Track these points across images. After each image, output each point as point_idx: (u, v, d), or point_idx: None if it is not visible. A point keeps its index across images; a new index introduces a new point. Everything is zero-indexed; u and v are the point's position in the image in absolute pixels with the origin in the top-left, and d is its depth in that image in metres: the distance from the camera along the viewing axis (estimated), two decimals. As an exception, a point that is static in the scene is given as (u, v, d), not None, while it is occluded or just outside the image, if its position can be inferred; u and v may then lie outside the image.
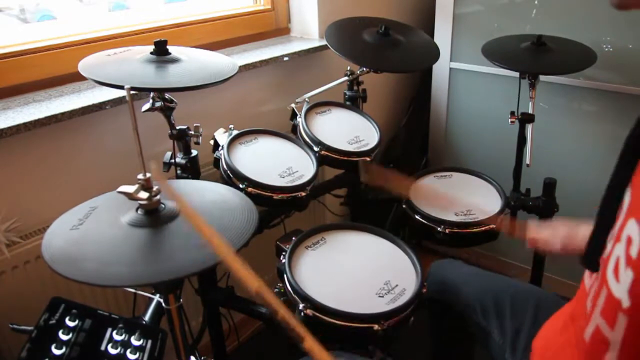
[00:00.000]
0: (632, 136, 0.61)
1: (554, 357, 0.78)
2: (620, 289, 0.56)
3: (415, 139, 2.38)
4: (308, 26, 1.92)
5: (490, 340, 1.07)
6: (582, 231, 0.96)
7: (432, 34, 2.10)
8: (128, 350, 0.94)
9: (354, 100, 1.67)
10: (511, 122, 1.61)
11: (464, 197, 1.47)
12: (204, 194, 0.97)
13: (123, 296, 1.41)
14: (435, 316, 1.29)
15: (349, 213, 2.00)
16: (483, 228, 1.34)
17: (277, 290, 1.21)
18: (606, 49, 1.71)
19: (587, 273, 0.76)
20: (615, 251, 0.59)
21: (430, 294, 1.18)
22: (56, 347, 0.88)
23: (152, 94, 1.17)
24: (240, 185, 1.20)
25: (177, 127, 1.23)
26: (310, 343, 0.65)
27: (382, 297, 1.07)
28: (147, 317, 1.16)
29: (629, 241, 0.55)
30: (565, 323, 0.78)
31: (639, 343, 0.55)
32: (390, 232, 1.25)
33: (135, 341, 0.96)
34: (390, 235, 1.25)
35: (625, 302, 0.55)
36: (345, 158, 1.39)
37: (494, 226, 1.36)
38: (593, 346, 0.63)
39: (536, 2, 1.84)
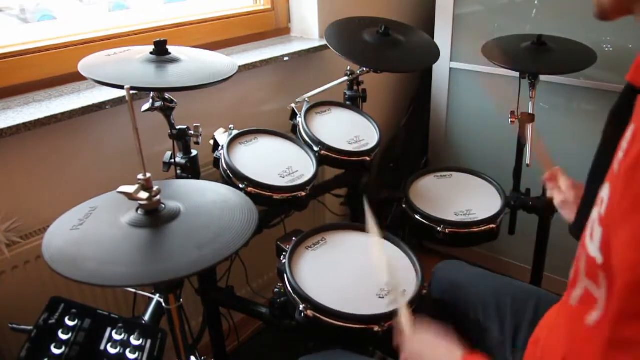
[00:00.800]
0: (616, 106, 0.62)
1: (547, 337, 0.80)
2: (593, 247, 0.58)
3: (415, 139, 2.38)
4: (308, 26, 1.92)
5: (490, 338, 1.08)
6: None
7: (432, 34, 2.10)
8: (127, 350, 0.94)
9: (354, 100, 1.67)
10: (511, 122, 1.61)
11: (463, 197, 1.47)
12: (204, 194, 0.97)
13: (123, 296, 1.41)
14: (439, 316, 1.30)
15: (349, 213, 2.00)
16: (483, 228, 1.34)
17: (277, 290, 1.21)
18: (606, 49, 1.71)
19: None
20: (592, 215, 0.61)
21: (435, 295, 1.19)
22: (56, 347, 0.88)
23: (152, 94, 1.17)
24: (240, 185, 1.20)
25: (177, 127, 1.23)
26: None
27: (383, 298, 1.07)
28: (147, 317, 1.16)
29: (601, 202, 0.58)
30: (563, 301, 0.79)
31: (613, 298, 0.56)
32: (390, 232, 1.25)
33: (134, 341, 0.96)
34: (391, 236, 1.25)
35: (599, 259, 0.57)
36: (345, 158, 1.39)
37: (494, 226, 1.36)
38: (578, 308, 0.65)
39: (536, 2, 1.84)
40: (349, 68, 1.64)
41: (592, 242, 0.59)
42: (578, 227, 0.71)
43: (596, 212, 0.60)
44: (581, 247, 0.64)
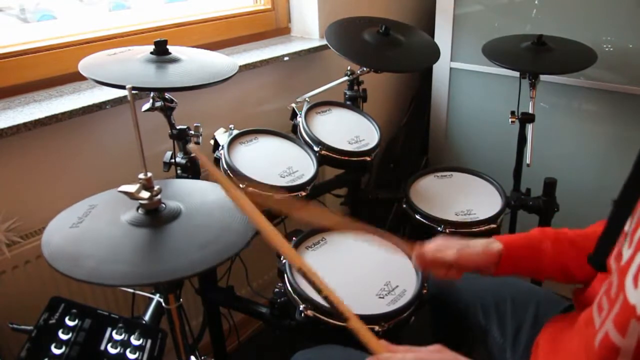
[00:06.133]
0: None
1: None
2: (637, 295, 0.54)
3: (415, 139, 2.38)
4: (308, 26, 1.92)
5: (490, 339, 1.07)
6: (474, 242, 0.92)
7: (432, 34, 2.10)
8: (128, 350, 0.94)
9: (354, 100, 1.67)
10: (511, 122, 1.61)
11: (464, 197, 1.47)
12: (205, 194, 0.97)
13: (123, 296, 1.41)
14: (436, 314, 1.29)
15: (349, 213, 2.00)
16: (483, 228, 1.34)
17: (277, 290, 1.21)
18: (606, 49, 1.71)
19: (597, 279, 0.74)
20: (637, 258, 0.57)
21: (432, 292, 1.18)
22: (56, 347, 0.88)
23: (152, 94, 1.17)
24: (241, 185, 1.20)
25: (177, 127, 1.22)
26: (355, 322, 0.64)
27: (383, 298, 1.07)
28: (147, 317, 1.16)
29: None
30: (579, 328, 0.76)
31: None
32: (390, 232, 1.25)
33: (134, 341, 0.96)
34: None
35: None
36: (346, 158, 1.39)
37: (494, 226, 1.36)
38: (602, 352, 0.61)
39: (536, 2, 1.84)
40: (349, 68, 1.64)
41: (635, 290, 0.54)
42: (600, 256, 0.67)
43: None
44: (619, 289, 0.59)
